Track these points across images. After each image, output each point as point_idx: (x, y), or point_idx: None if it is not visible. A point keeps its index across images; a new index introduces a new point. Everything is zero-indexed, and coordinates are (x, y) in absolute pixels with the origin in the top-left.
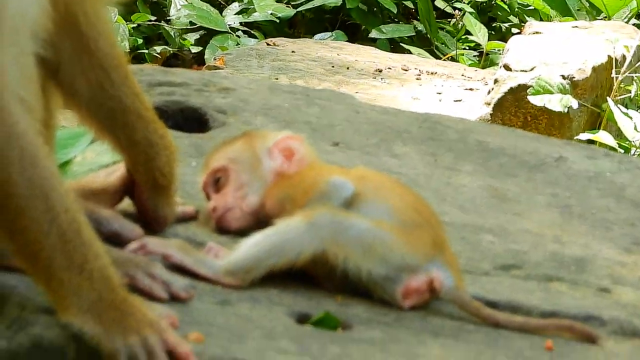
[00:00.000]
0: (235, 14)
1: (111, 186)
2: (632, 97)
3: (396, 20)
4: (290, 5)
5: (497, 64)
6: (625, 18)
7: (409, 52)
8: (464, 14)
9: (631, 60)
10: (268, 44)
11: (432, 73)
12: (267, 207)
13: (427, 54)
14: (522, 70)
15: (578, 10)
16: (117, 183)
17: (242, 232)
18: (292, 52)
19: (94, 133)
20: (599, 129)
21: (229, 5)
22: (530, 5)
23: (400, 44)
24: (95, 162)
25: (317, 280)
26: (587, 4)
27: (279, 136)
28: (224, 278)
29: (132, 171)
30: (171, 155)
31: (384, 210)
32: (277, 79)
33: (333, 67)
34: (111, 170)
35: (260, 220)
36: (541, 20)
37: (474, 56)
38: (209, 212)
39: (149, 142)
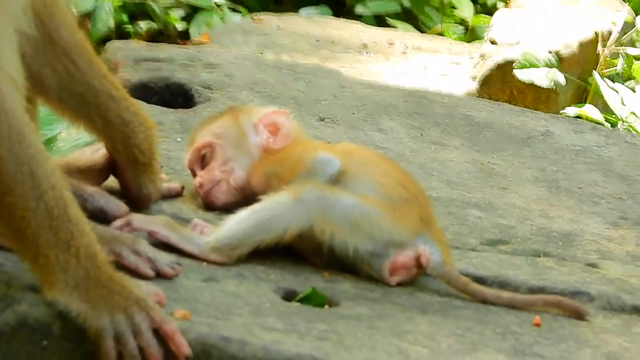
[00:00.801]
0: None
1: (97, 164)
2: (618, 71)
3: None
4: None
5: (483, 39)
6: None
7: (395, 27)
8: None
9: (617, 35)
10: (253, 19)
11: (418, 47)
12: (254, 182)
13: (413, 29)
14: (508, 45)
15: None
16: (103, 161)
17: (229, 209)
18: (278, 27)
19: (68, 120)
20: (585, 103)
21: None
22: None
23: (386, 18)
24: (80, 138)
25: (304, 257)
26: None
27: (265, 111)
28: (210, 255)
29: (112, 152)
30: (148, 131)
31: (371, 186)
32: (262, 54)
33: (318, 42)
34: (96, 148)
35: (247, 196)
36: None
37: (460, 31)
38: (196, 188)
39: (123, 121)
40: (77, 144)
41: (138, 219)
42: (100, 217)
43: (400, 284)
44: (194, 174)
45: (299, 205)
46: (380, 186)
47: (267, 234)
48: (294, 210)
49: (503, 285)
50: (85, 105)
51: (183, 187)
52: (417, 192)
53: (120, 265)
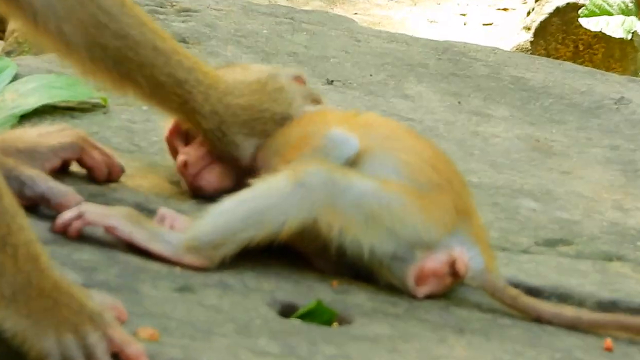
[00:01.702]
0: None
1: (45, 148)
2: None
3: None
4: None
5: None
6: None
7: None
8: None
9: None
10: None
11: None
12: (259, 161)
13: None
14: None
15: None
16: (57, 147)
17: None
18: None
19: (113, 89)
20: None
21: None
22: None
23: None
24: (18, 105)
25: (306, 260)
26: None
27: (271, 71)
28: (186, 256)
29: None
30: (210, 89)
31: (394, 166)
32: None
33: None
34: (48, 131)
35: (247, 179)
36: None
37: None
38: (179, 168)
39: (175, 81)
40: (13, 113)
41: (92, 210)
42: (43, 205)
43: (429, 296)
44: (174, 151)
45: (299, 192)
46: (406, 167)
47: (259, 228)
48: (293, 197)
49: (564, 298)
50: (124, 63)
51: (123, 169)
52: (452, 177)
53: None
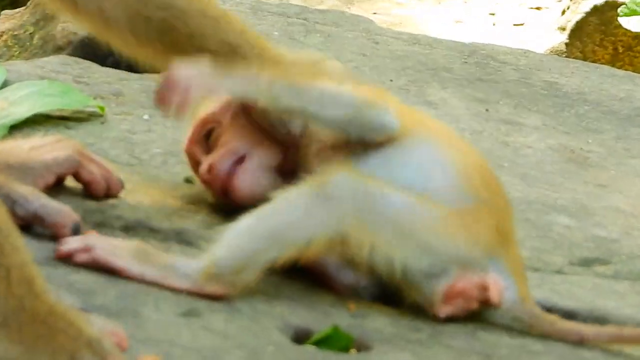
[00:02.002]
0: None
1: (38, 163)
2: None
3: None
4: None
5: None
6: None
7: None
8: None
9: None
10: None
11: None
12: (308, 134)
13: None
14: None
15: None
16: (51, 162)
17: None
18: None
19: (158, 62)
20: None
21: None
22: None
23: None
24: (7, 114)
25: (321, 282)
26: None
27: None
28: (206, 286)
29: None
30: (263, 52)
31: (440, 161)
32: None
33: None
34: (41, 143)
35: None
36: None
37: None
38: (204, 176)
39: (229, 47)
40: (2, 124)
41: (100, 245)
42: (36, 224)
43: (453, 319)
44: (196, 163)
45: (326, 204)
46: (454, 170)
47: (282, 248)
48: (318, 212)
49: (600, 320)
50: (171, 34)
51: (123, 184)
52: (499, 196)
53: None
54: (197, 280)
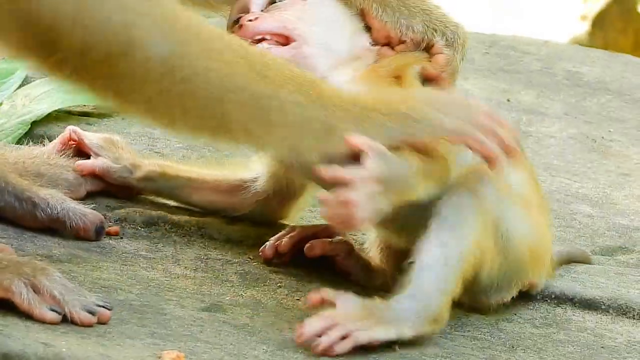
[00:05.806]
0: None
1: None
2: None
3: None
4: None
5: None
6: None
7: None
8: None
9: None
10: None
11: None
12: None
13: None
14: None
15: None
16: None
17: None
18: None
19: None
20: None
21: None
22: None
23: None
24: (29, 111)
25: (345, 276)
26: None
27: None
28: (427, 327)
29: None
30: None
31: (520, 181)
32: None
33: None
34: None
35: None
36: None
37: None
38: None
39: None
40: (23, 120)
41: (357, 328)
42: (57, 228)
43: (475, 310)
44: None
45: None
46: (528, 187)
47: (463, 264)
48: (477, 218)
49: (624, 310)
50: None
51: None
52: (547, 219)
53: (12, 305)
54: (421, 325)
